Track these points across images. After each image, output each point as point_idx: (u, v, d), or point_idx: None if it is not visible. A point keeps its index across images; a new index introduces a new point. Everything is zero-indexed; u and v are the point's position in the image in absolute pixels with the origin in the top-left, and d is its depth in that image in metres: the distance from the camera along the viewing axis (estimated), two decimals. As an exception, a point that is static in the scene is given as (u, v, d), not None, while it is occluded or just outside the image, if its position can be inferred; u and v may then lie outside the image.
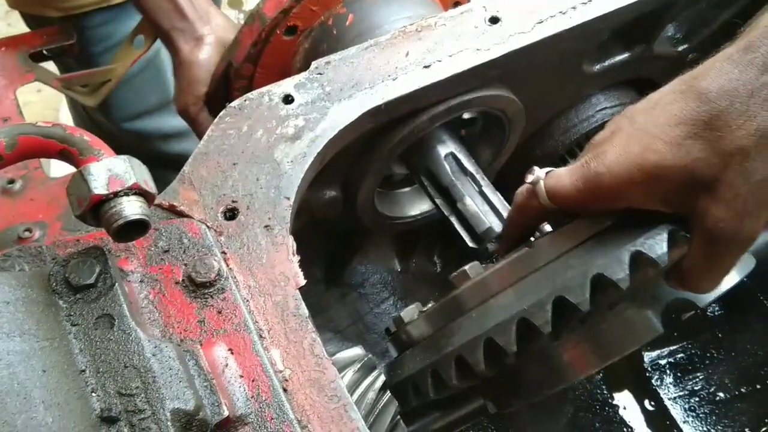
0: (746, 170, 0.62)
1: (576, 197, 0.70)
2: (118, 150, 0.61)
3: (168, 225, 0.72)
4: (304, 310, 0.70)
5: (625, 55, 1.12)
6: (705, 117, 0.63)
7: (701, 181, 0.64)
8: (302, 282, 0.72)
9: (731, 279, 0.83)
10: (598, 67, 1.10)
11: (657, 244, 0.66)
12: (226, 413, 0.60)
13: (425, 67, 0.87)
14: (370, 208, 1.03)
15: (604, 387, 1.47)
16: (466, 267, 0.78)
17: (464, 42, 0.90)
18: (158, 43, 1.27)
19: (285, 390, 0.65)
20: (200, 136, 1.15)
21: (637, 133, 0.67)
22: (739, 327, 1.56)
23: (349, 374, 0.83)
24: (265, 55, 1.04)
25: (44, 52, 1.17)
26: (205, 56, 1.11)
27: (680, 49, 1.18)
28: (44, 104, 3.29)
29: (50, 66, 1.30)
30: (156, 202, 0.75)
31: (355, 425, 0.65)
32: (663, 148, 0.65)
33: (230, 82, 1.04)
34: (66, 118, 2.30)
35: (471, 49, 0.89)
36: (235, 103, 0.83)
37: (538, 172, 0.75)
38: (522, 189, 0.77)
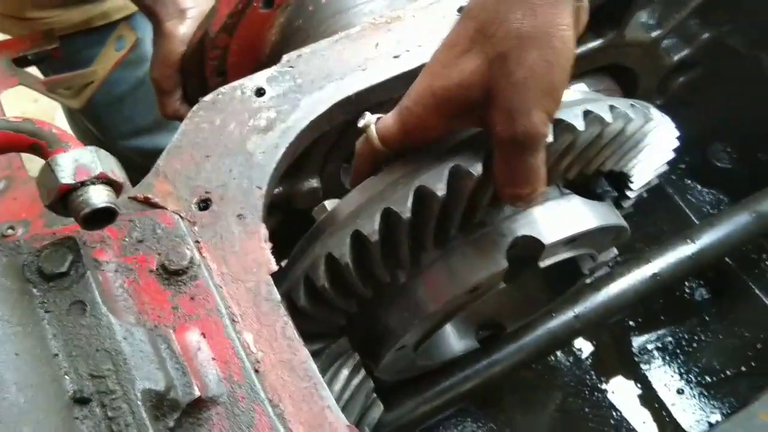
0: (506, 72, 0.66)
1: (401, 137, 0.75)
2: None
3: (142, 216, 0.74)
4: (276, 295, 0.72)
5: (597, 42, 1.13)
6: (471, 33, 0.68)
7: (480, 92, 0.68)
8: (274, 268, 0.74)
9: (587, 223, 0.86)
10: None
11: (474, 158, 0.73)
12: (197, 393, 0.62)
13: (395, 57, 0.89)
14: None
15: (593, 372, 1.49)
16: (325, 202, 0.84)
17: (433, 32, 0.91)
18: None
19: (257, 371, 0.67)
20: (166, 111, 1.16)
21: (428, 66, 0.73)
22: (725, 311, 1.57)
23: (344, 372, 0.85)
24: (241, 27, 1.03)
25: (28, 57, 1.19)
26: (186, 30, 1.10)
27: (653, 34, 1.20)
28: (40, 114, 3.33)
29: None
30: (131, 194, 0.78)
31: (325, 403, 0.67)
32: (444, 71, 0.70)
33: (205, 51, 1.04)
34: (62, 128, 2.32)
35: (440, 39, 0.91)
36: (208, 97, 0.85)
37: (368, 118, 0.77)
38: (361, 137, 0.80)
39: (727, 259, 1.55)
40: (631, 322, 1.56)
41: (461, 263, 0.83)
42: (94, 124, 1.60)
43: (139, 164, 1.63)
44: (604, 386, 1.46)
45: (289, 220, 1.05)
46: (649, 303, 1.56)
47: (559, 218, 0.85)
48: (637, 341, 1.54)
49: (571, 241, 0.86)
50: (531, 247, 0.83)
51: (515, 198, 0.74)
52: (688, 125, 1.53)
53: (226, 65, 1.05)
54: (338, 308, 0.83)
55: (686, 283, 1.59)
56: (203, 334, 0.67)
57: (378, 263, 0.79)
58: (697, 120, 1.51)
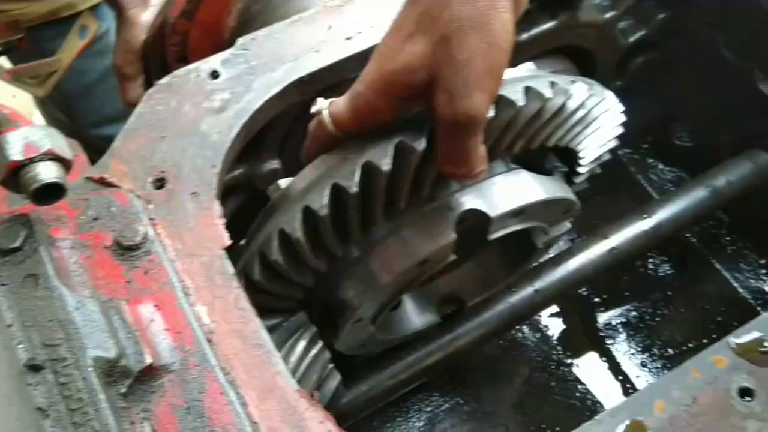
0: (449, 54, 0.69)
1: (353, 121, 0.77)
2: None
3: (97, 195, 0.76)
4: (230, 269, 0.75)
5: (551, 23, 1.16)
6: (416, 17, 0.71)
7: (425, 74, 0.71)
8: (228, 242, 0.76)
9: (533, 196, 0.89)
10: (525, 36, 1.14)
11: (418, 134, 0.76)
12: (148, 361, 0.64)
13: (347, 39, 0.92)
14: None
15: (559, 348, 1.52)
16: (279, 180, 0.86)
17: (386, 13, 0.93)
18: None
19: (209, 341, 0.69)
20: (128, 97, 1.18)
21: (377, 50, 0.75)
22: (688, 285, 1.61)
23: (301, 344, 0.88)
24: (201, 12, 1.05)
25: (-7, 47, 1.21)
26: (149, 17, 1.12)
27: (607, 16, 1.23)
28: (19, 109, 3.31)
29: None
30: (87, 175, 0.80)
31: (276, 369, 0.69)
32: (391, 55, 0.72)
33: (166, 37, 1.06)
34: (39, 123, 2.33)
35: (391, 20, 0.93)
36: (163, 80, 0.87)
37: (321, 103, 0.79)
38: (313, 120, 0.82)
39: (689, 235, 1.60)
40: (596, 299, 1.59)
41: (411, 236, 0.86)
42: (65, 113, 1.61)
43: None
44: (569, 361, 1.50)
45: (252, 201, 1.07)
46: (614, 279, 1.60)
47: (506, 192, 0.88)
48: (602, 317, 1.57)
49: (518, 214, 0.89)
50: (479, 220, 0.86)
51: (454, 176, 0.77)
52: (649, 105, 1.58)
53: (187, 51, 1.07)
54: (294, 282, 0.86)
55: (650, 260, 1.63)
56: (156, 306, 0.69)
57: (329, 237, 0.82)
58: (658, 100, 1.56)
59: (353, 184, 0.77)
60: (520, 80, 0.83)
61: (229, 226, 1.04)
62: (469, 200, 0.86)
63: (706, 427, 0.68)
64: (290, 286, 0.87)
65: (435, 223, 0.85)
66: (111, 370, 0.62)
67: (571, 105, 0.88)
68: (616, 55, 1.34)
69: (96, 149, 0.85)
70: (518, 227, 0.93)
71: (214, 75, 0.87)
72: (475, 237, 0.90)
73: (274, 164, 1.04)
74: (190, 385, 0.66)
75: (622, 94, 1.46)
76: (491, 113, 0.75)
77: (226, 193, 1.04)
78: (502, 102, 0.79)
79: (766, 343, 0.73)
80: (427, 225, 0.86)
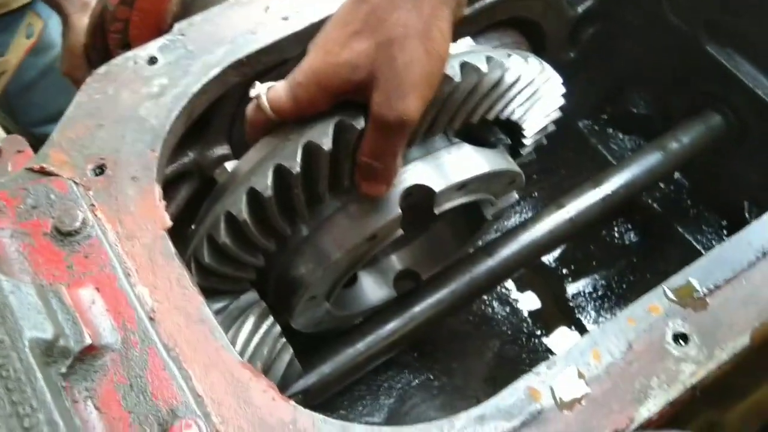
0: (391, 57, 0.71)
1: (292, 107, 0.78)
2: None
3: (36, 184, 0.76)
4: (171, 249, 0.76)
5: (494, -4, 1.17)
6: (363, 15, 0.72)
7: (366, 72, 0.72)
8: (168, 224, 0.77)
9: (476, 168, 0.90)
10: (468, 10, 1.15)
11: (358, 112, 0.77)
12: (88, 341, 0.65)
13: (284, 19, 0.93)
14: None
15: (529, 320, 1.54)
16: (225, 163, 0.88)
17: (322, -7, 0.95)
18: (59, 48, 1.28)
19: (152, 319, 0.70)
20: None
21: (320, 42, 0.76)
22: (654, 253, 1.63)
23: (250, 320, 0.89)
24: None
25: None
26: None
27: (551, -14, 1.24)
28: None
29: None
30: (27, 166, 0.80)
31: (220, 343, 0.70)
32: (335, 49, 0.74)
33: (107, 25, 1.06)
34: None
35: (327, -1, 0.94)
36: (101, 69, 0.87)
37: (259, 87, 0.80)
38: (251, 104, 0.83)
39: (651, 202, 1.62)
40: (564, 270, 1.61)
41: (359, 213, 0.87)
42: (8, 112, 1.60)
43: None
44: (539, 332, 1.52)
45: (206, 187, 1.08)
46: (581, 250, 1.63)
47: (449, 166, 0.89)
48: (570, 288, 1.59)
49: (462, 187, 0.91)
50: (424, 194, 0.87)
51: (367, 169, 0.79)
52: (604, 75, 1.60)
53: (129, 38, 1.07)
54: (245, 264, 0.87)
55: (615, 228, 1.65)
56: (97, 288, 0.70)
57: (276, 217, 0.83)
58: (612, 69, 1.57)
59: (296, 164, 0.78)
60: (457, 56, 0.84)
61: (184, 213, 1.06)
62: (414, 175, 0.87)
63: (641, 372, 0.69)
64: (242, 267, 0.88)
65: (381, 199, 0.87)
66: (50, 351, 0.62)
67: (509, 78, 0.89)
68: (565, 26, 1.36)
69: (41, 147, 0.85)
70: (464, 200, 0.94)
71: (152, 61, 0.88)
72: (422, 211, 0.91)
73: (224, 149, 1.05)
74: (133, 362, 0.67)
75: (576, 67, 1.49)
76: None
77: (178, 180, 1.04)
78: None
79: (699, 289, 0.74)
80: (373, 201, 0.87)
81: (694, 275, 0.75)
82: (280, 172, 0.79)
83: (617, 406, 0.67)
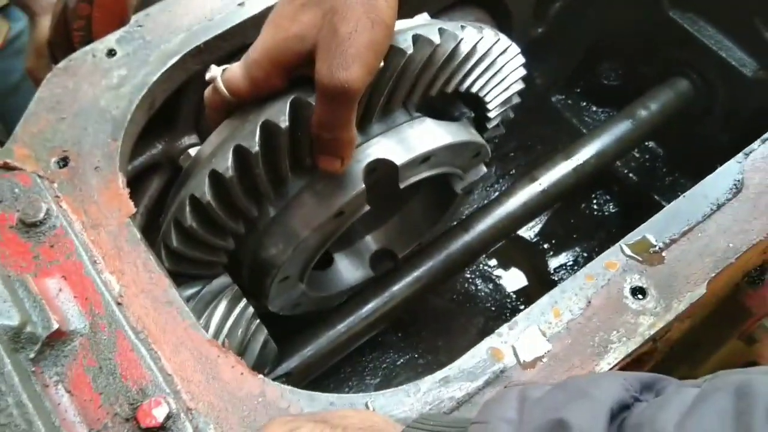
0: (333, 26, 0.71)
1: (248, 87, 0.78)
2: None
3: (0, 179, 0.77)
4: (136, 235, 0.77)
5: (457, -28, 1.17)
6: None
7: (312, 43, 0.73)
8: (132, 210, 0.78)
9: (437, 141, 0.91)
10: (430, -13, 1.16)
11: (313, 94, 0.77)
12: (55, 327, 0.66)
13: (239, 4, 0.93)
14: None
15: (513, 295, 1.56)
16: (189, 149, 0.89)
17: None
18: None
19: (119, 304, 0.71)
20: None
21: (271, 18, 0.77)
22: (632, 222, 1.63)
23: (223, 303, 0.90)
24: None
25: None
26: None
27: (511, -39, 1.24)
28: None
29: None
30: (-10, 163, 0.81)
31: (187, 323, 0.72)
32: (284, 23, 0.74)
33: (69, 23, 1.07)
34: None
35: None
36: (61, 65, 0.88)
37: (215, 70, 0.81)
38: (208, 88, 0.83)
39: (627, 172, 1.63)
40: (545, 245, 1.63)
41: (324, 191, 0.88)
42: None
43: None
44: (523, 307, 1.53)
45: (176, 177, 1.09)
46: (561, 224, 1.64)
47: (411, 139, 0.90)
48: (552, 261, 1.61)
49: (426, 159, 0.92)
50: (388, 169, 0.88)
51: (322, 143, 0.79)
52: (574, 48, 1.61)
53: (92, 35, 1.08)
54: (215, 247, 0.88)
55: (594, 200, 1.67)
56: (64, 277, 0.71)
57: (240, 198, 0.84)
58: (581, 42, 1.58)
59: (254, 144, 0.79)
60: (410, 29, 0.85)
61: (157, 204, 1.06)
62: (376, 150, 0.88)
63: (601, 327, 0.71)
64: (211, 251, 0.89)
65: (345, 175, 0.88)
66: (17, 337, 0.64)
67: (464, 48, 0.90)
68: (528, 3, 1.36)
69: None
70: (429, 173, 0.95)
71: (111, 53, 0.89)
72: (390, 188, 0.92)
73: (192, 139, 1.06)
74: (101, 346, 0.68)
75: (546, 42, 1.50)
76: (380, 63, 0.78)
77: (149, 172, 1.05)
78: (391, 51, 0.81)
79: (655, 243, 0.76)
80: (338, 178, 0.88)
81: (650, 230, 0.77)
82: (240, 153, 0.80)
83: (578, 361, 0.69)
